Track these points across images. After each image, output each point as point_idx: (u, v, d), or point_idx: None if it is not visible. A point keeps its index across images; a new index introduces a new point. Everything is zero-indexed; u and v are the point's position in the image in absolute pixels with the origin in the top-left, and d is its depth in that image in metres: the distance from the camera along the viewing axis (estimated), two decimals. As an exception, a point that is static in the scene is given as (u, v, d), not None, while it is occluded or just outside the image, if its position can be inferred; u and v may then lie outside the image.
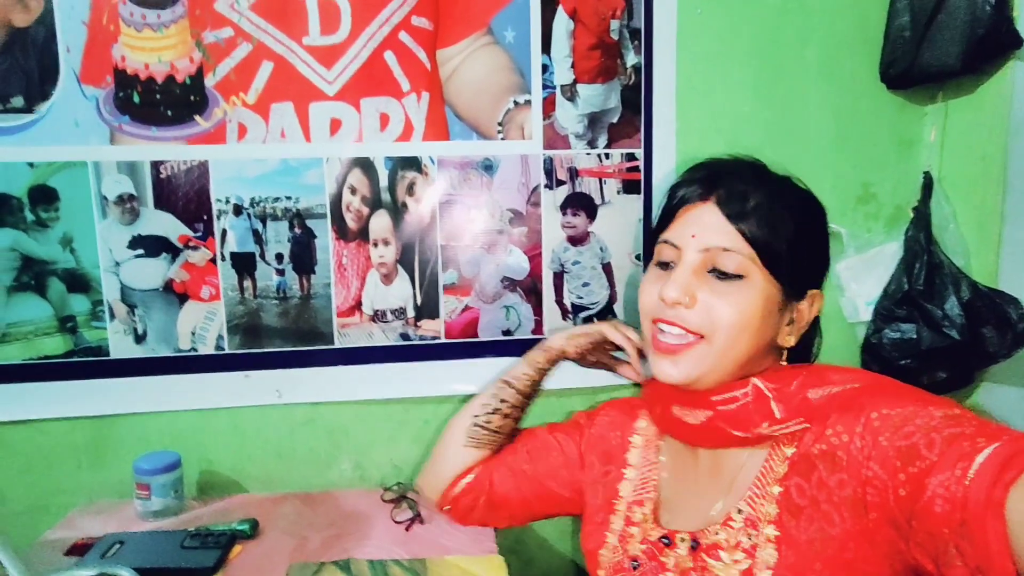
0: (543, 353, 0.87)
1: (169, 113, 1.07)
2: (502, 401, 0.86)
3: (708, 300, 0.62)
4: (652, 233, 0.71)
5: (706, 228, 0.63)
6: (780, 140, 1.19)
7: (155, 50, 1.05)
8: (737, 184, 0.64)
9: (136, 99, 1.06)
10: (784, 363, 0.67)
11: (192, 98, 1.07)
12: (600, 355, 0.88)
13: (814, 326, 0.70)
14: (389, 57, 1.10)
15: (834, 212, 1.19)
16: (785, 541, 0.59)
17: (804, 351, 0.71)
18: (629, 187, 1.18)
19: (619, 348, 0.85)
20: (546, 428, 0.89)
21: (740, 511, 0.62)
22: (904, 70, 1.14)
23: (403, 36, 1.10)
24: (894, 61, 1.15)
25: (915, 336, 1.11)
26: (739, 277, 0.62)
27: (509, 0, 1.11)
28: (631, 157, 1.17)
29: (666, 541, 0.68)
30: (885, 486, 0.53)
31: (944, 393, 1.15)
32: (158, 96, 1.06)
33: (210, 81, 1.07)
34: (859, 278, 1.20)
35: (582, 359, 0.88)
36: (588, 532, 0.78)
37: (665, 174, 1.18)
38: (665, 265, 0.67)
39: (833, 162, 1.21)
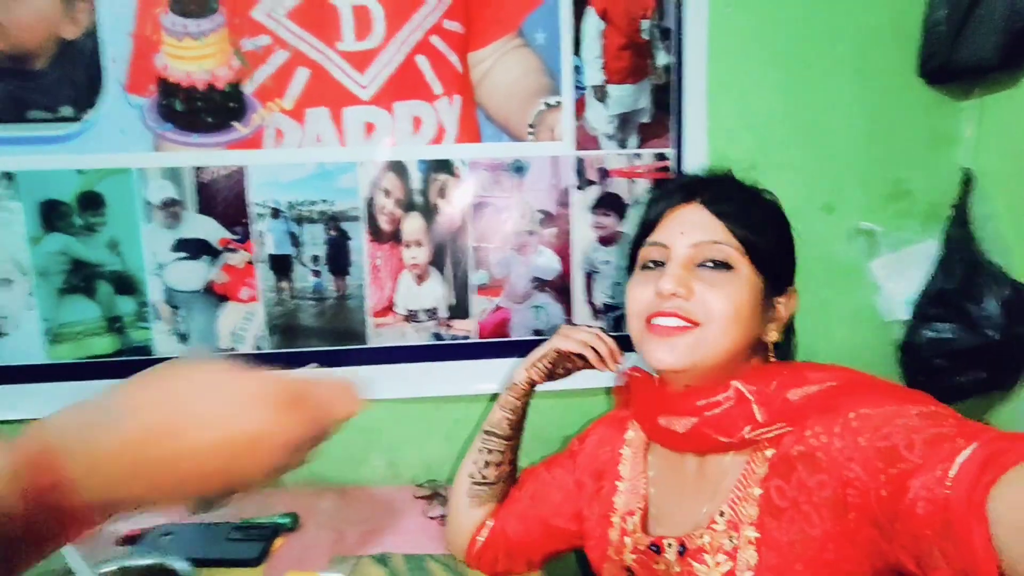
0: (511, 392, 0.88)
1: (209, 120, 1.10)
2: (490, 452, 0.89)
3: (702, 291, 0.65)
4: (634, 241, 0.75)
5: (694, 225, 0.67)
6: (811, 137, 1.18)
7: (196, 59, 1.08)
8: (719, 187, 0.71)
9: (178, 107, 1.09)
10: (771, 359, 0.70)
11: (231, 105, 1.10)
12: (567, 363, 0.88)
13: (790, 326, 0.74)
14: (421, 61, 1.12)
15: (864, 209, 1.20)
16: (765, 543, 0.60)
17: (786, 348, 0.74)
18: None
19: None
20: (545, 464, 0.90)
21: (723, 514, 0.64)
22: (941, 65, 1.12)
23: (435, 40, 1.11)
24: (931, 56, 1.13)
25: (953, 336, 1.10)
26: (729, 268, 0.66)
27: (539, 2, 1.12)
28: (662, 157, 1.17)
29: (655, 548, 0.69)
30: (866, 487, 0.53)
31: (986, 395, 1.13)
32: (199, 103, 1.10)
33: (248, 88, 1.10)
34: (894, 276, 1.19)
35: (552, 377, 0.88)
36: (590, 547, 0.80)
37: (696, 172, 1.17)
38: (652, 267, 0.71)
39: (864, 158, 1.19)
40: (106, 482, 0.31)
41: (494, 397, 1.20)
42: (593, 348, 0.84)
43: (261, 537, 0.96)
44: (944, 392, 1.14)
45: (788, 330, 0.74)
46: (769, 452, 0.62)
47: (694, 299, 0.65)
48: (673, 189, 0.72)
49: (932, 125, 1.19)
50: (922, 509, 0.48)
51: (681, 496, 0.71)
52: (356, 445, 1.21)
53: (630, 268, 0.75)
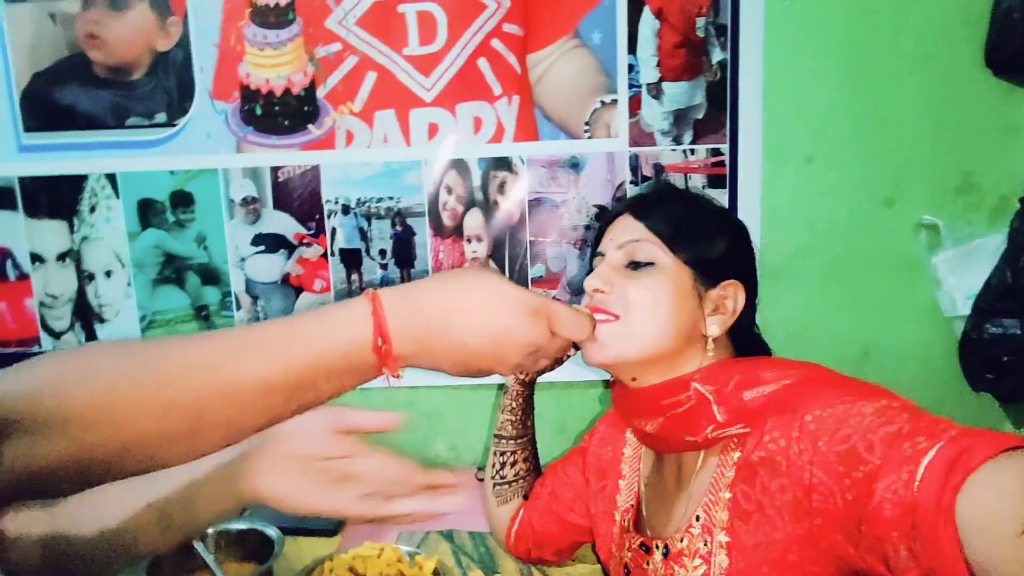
0: (507, 394, 0.94)
1: (286, 123, 1.19)
2: (502, 454, 0.94)
3: (623, 285, 0.68)
4: (589, 261, 0.78)
5: (621, 231, 0.72)
6: (872, 130, 1.17)
7: (275, 66, 1.17)
8: (649, 196, 0.78)
9: (258, 111, 1.18)
10: (712, 350, 0.68)
11: (306, 108, 1.18)
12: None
13: (749, 323, 0.73)
14: (482, 63, 1.17)
15: (931, 203, 1.19)
16: (735, 547, 0.61)
17: (756, 345, 0.74)
18: (714, 181, 1.19)
19: None
20: (562, 460, 0.94)
21: (698, 518, 0.65)
22: (1012, 54, 1.09)
23: (495, 43, 1.16)
24: (1000, 45, 1.11)
25: (1019, 332, 1.08)
26: (650, 264, 0.68)
27: (596, 3, 1.15)
28: (716, 152, 1.19)
29: (645, 548, 0.71)
30: (831, 491, 0.53)
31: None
32: (277, 108, 1.18)
33: (321, 92, 1.18)
34: (957, 271, 1.17)
35: (543, 370, 0.90)
36: (598, 544, 0.83)
37: (751, 167, 1.18)
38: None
39: (930, 151, 1.17)
40: (413, 351, 0.43)
41: (551, 385, 1.25)
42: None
43: (335, 510, 1.04)
44: (1012, 389, 1.13)
45: (749, 327, 0.73)
46: (736, 455, 0.63)
47: (615, 292, 0.67)
48: (614, 207, 0.79)
49: (1001, 117, 1.16)
50: (889, 512, 0.48)
51: (665, 498, 0.73)
52: (420, 430, 1.27)
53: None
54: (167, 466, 0.41)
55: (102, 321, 1.24)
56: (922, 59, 1.15)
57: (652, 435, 0.70)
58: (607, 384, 1.25)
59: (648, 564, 0.71)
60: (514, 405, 0.93)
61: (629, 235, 0.70)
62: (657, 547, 0.69)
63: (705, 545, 0.64)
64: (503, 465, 0.94)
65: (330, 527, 0.99)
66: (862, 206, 1.19)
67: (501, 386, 1.21)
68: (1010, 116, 1.16)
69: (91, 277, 1.23)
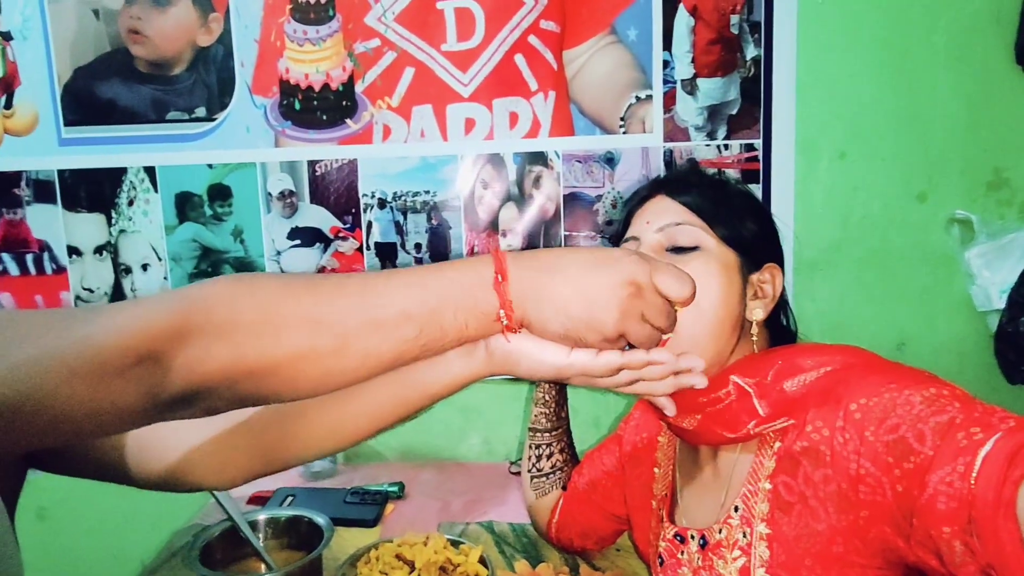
0: (540, 386, 0.92)
1: (324, 117, 1.20)
2: (538, 447, 0.93)
3: None
4: (613, 244, 0.74)
5: (658, 213, 0.67)
6: (905, 126, 1.18)
7: (314, 62, 1.18)
8: (682, 178, 0.73)
9: (297, 106, 1.19)
10: (756, 333, 0.67)
11: (344, 103, 1.19)
12: None
13: (784, 305, 0.72)
14: (519, 59, 1.18)
15: (963, 198, 1.20)
16: (776, 538, 0.59)
17: (784, 329, 0.72)
18: (748, 177, 1.20)
19: None
20: (599, 449, 0.92)
21: (737, 509, 0.63)
22: (1042, 51, 1.11)
23: (532, 39, 1.18)
24: (1031, 42, 1.12)
25: (1056, 324, 1.08)
26: (695, 249, 0.65)
27: (632, 1, 1.17)
28: (750, 148, 1.20)
29: (679, 539, 0.69)
30: (879, 482, 0.52)
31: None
32: (315, 103, 1.19)
33: (359, 87, 1.19)
34: (992, 265, 1.17)
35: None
36: (635, 534, 0.82)
37: (784, 162, 1.20)
38: None
39: (962, 147, 1.19)
40: (527, 294, 0.45)
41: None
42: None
43: (375, 502, 1.04)
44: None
45: (783, 310, 0.72)
46: (776, 446, 0.61)
47: None
48: (641, 189, 0.73)
49: (1033, 112, 1.17)
50: (943, 505, 0.46)
51: (701, 488, 0.72)
52: (456, 423, 1.28)
53: None
54: (305, 394, 0.43)
55: (137, 315, 1.24)
56: (954, 56, 1.17)
57: (688, 431, 0.67)
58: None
59: (683, 554, 0.70)
60: (547, 398, 0.93)
61: (669, 217, 0.66)
62: (692, 537, 0.68)
63: (744, 536, 0.62)
64: (539, 458, 0.94)
65: (370, 517, 0.99)
66: (895, 201, 1.20)
67: (523, 381, 1.22)
68: (1041, 112, 1.18)
69: (128, 270, 1.23)
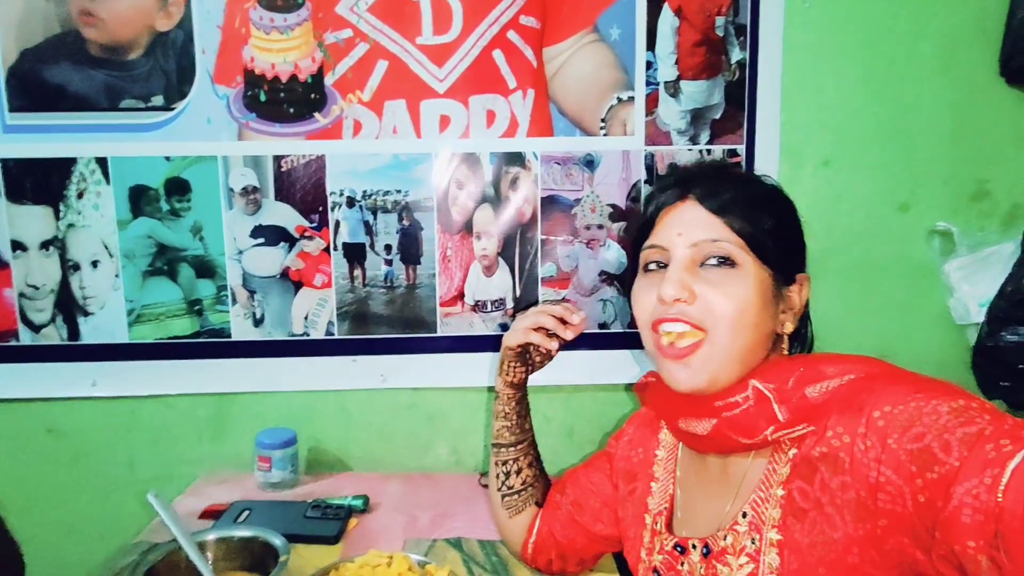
0: (499, 399, 0.89)
1: (291, 110, 1.14)
2: (505, 463, 0.89)
3: (705, 293, 0.62)
4: (633, 244, 0.71)
5: (690, 224, 0.64)
6: (890, 135, 1.16)
7: (281, 51, 1.12)
8: (712, 182, 0.67)
9: (262, 97, 1.13)
10: (784, 351, 0.67)
11: (313, 96, 1.13)
12: (533, 353, 0.89)
13: (805, 315, 0.70)
14: (497, 55, 1.13)
15: (946, 209, 1.18)
16: (788, 545, 0.58)
17: (802, 338, 0.71)
18: (730, 183, 1.17)
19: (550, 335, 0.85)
20: (584, 467, 0.89)
21: (745, 515, 0.62)
22: (1026, 63, 1.10)
23: (511, 35, 1.13)
24: (1015, 54, 1.11)
25: (1036, 340, 1.07)
26: (731, 264, 0.62)
27: (615, -2, 1.13)
28: (733, 153, 1.17)
29: (680, 549, 0.68)
30: (900, 492, 0.50)
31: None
32: (282, 94, 1.13)
33: (329, 80, 1.13)
34: (972, 279, 1.16)
35: (532, 369, 0.89)
36: (627, 549, 0.79)
37: (768, 169, 1.16)
38: (655, 269, 0.68)
39: (946, 158, 1.17)
40: None
41: (559, 389, 1.21)
42: (540, 327, 0.84)
43: (337, 516, 0.98)
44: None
45: (803, 318, 0.70)
46: (791, 452, 0.60)
47: (697, 302, 0.62)
48: (666, 186, 0.69)
49: (1015, 125, 1.16)
50: (968, 518, 0.45)
51: (706, 496, 0.70)
52: (422, 432, 1.22)
53: (633, 269, 0.72)
54: None
55: (86, 314, 1.17)
56: (940, 66, 1.15)
57: (701, 437, 0.66)
58: (628, 387, 1.21)
59: (683, 565, 0.68)
60: (507, 409, 0.89)
61: (705, 233, 0.63)
62: (694, 547, 0.66)
63: (753, 543, 0.60)
64: (507, 475, 0.89)
65: (332, 534, 0.94)
66: (879, 211, 1.18)
67: (491, 388, 1.18)
68: (1023, 125, 1.16)
69: (76, 267, 1.16)
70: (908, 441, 0.50)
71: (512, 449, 0.89)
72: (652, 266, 0.68)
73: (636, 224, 0.72)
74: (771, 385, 0.61)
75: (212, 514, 1.00)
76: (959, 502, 0.46)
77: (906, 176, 1.17)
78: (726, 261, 0.63)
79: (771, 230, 0.64)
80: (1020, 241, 1.14)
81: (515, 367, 0.88)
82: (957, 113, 1.16)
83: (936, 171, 1.17)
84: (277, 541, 0.78)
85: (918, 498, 0.49)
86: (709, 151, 1.17)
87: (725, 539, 0.63)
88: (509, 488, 0.89)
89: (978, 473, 0.45)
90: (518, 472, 0.89)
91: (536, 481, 0.90)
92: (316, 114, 1.14)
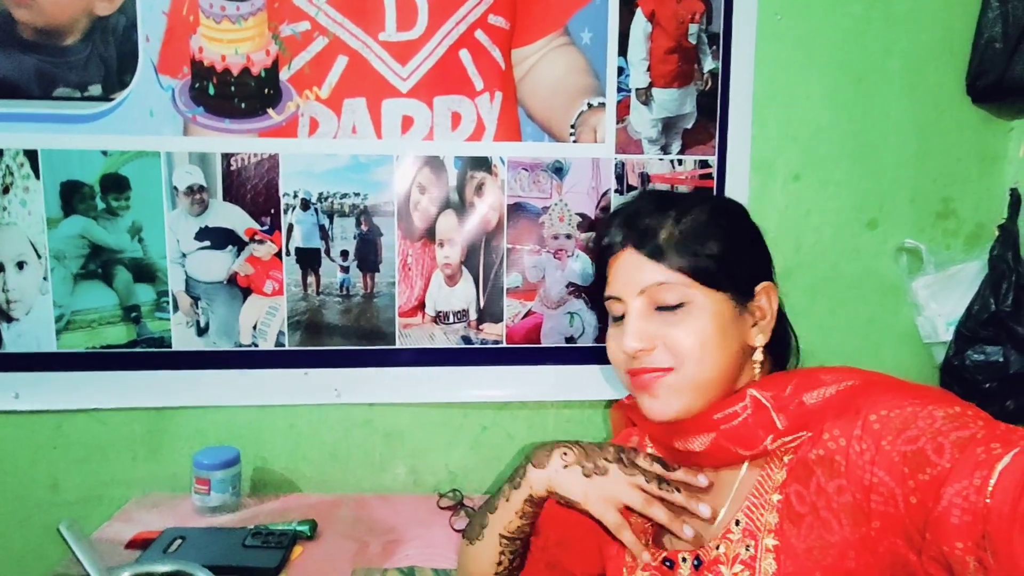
0: (529, 503, 0.72)
1: (243, 106, 1.07)
2: (512, 552, 0.75)
3: (665, 334, 0.64)
4: (599, 292, 0.72)
5: (634, 273, 0.66)
6: (858, 151, 1.15)
7: (232, 42, 1.05)
8: (645, 222, 0.67)
9: (211, 91, 1.06)
10: (760, 358, 0.66)
11: (266, 91, 1.07)
12: None
13: (783, 322, 0.70)
14: (464, 55, 1.09)
15: (912, 227, 1.17)
16: (784, 550, 0.57)
17: (786, 344, 0.72)
18: (701, 195, 1.15)
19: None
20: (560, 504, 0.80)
21: (738, 522, 0.61)
22: (992, 83, 1.10)
23: (479, 34, 1.08)
24: (982, 74, 1.11)
25: (1002, 359, 1.06)
26: (682, 305, 0.64)
27: (587, 1, 1.09)
28: (704, 164, 1.14)
29: (669, 563, 0.66)
30: (892, 493, 0.51)
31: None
32: (232, 88, 1.06)
33: (284, 74, 1.06)
34: (939, 297, 1.15)
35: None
36: (609, 568, 0.75)
37: (739, 181, 1.14)
38: (618, 319, 0.69)
39: (913, 176, 1.17)
40: None
41: (522, 405, 1.16)
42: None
43: (279, 545, 0.91)
44: (994, 416, 1.11)
45: (781, 326, 0.70)
46: (787, 457, 0.60)
47: (659, 347, 0.64)
48: (608, 229, 0.70)
49: (981, 144, 1.17)
50: (957, 518, 0.45)
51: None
52: (378, 451, 1.15)
53: (600, 284, 0.72)
54: None
55: (9, 320, 1.07)
56: (908, 83, 1.15)
57: (697, 454, 0.65)
58: (595, 404, 1.17)
59: None
60: (531, 509, 0.73)
61: (649, 278, 0.64)
62: (684, 560, 0.64)
63: (748, 550, 0.59)
64: (513, 558, 0.76)
65: (272, 565, 0.86)
66: (847, 227, 1.17)
67: (451, 404, 1.09)
68: (988, 144, 1.17)
69: (0, 268, 1.06)
70: (902, 443, 0.50)
71: (520, 542, 0.76)
72: (617, 317, 0.69)
73: (595, 267, 0.74)
74: (768, 393, 0.61)
75: (139, 543, 0.91)
76: (948, 503, 0.46)
77: (874, 193, 1.16)
78: (679, 306, 0.64)
79: (717, 255, 0.64)
80: (986, 260, 1.14)
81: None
82: (923, 131, 1.16)
83: (903, 188, 1.17)
84: (200, 575, 0.70)
85: (910, 499, 0.49)
86: (680, 162, 1.14)
87: (717, 548, 0.62)
88: (511, 570, 0.77)
89: (968, 475, 0.46)
90: (523, 554, 0.78)
91: (526, 551, 0.79)
92: (269, 110, 1.07)
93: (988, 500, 0.44)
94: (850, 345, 1.19)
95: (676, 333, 0.63)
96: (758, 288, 0.66)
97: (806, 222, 1.17)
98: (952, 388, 1.13)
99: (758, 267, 0.68)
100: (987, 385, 1.08)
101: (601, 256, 0.71)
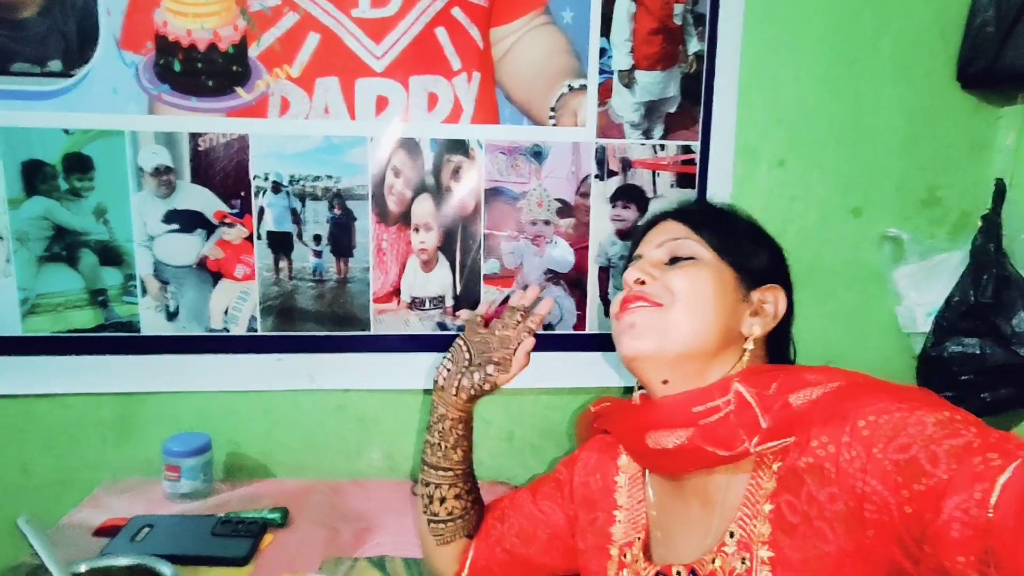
0: (433, 411, 0.79)
1: (210, 83, 1.03)
2: (427, 485, 0.80)
3: (664, 276, 0.67)
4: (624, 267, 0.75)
5: (663, 232, 0.72)
6: (845, 136, 1.13)
7: (198, 16, 1.01)
8: (690, 205, 0.80)
9: (177, 67, 1.02)
10: (751, 347, 0.66)
11: (234, 68, 1.03)
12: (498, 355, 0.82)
13: (786, 332, 0.71)
14: (440, 33, 1.05)
15: (897, 215, 1.15)
16: (780, 562, 0.56)
17: (784, 354, 0.73)
18: (684, 181, 1.12)
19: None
20: (531, 493, 0.81)
21: (732, 534, 0.60)
22: (984, 69, 1.07)
23: (456, 12, 1.04)
24: (973, 59, 1.08)
25: (980, 351, 1.06)
26: (691, 258, 0.68)
27: (569, -23, 1.05)
28: (687, 150, 1.12)
29: None
30: (886, 503, 0.50)
31: (1009, 412, 1.10)
32: (199, 65, 1.02)
33: (254, 51, 1.02)
34: (920, 287, 1.14)
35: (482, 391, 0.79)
36: (587, 573, 0.74)
37: (722, 166, 1.12)
38: None
39: (899, 162, 1.15)
40: None
41: (499, 391, 1.15)
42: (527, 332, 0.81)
43: (249, 533, 0.90)
44: (972, 408, 1.11)
45: (784, 335, 0.71)
46: (776, 465, 0.58)
47: (657, 283, 0.67)
48: (656, 213, 0.77)
49: (969, 132, 1.14)
50: (957, 533, 0.44)
51: (686, 520, 0.66)
52: (353, 436, 1.14)
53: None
54: None
55: (-27, 303, 1.04)
56: (899, 68, 1.12)
57: (671, 453, 0.61)
58: (573, 390, 1.16)
59: None
60: (443, 428, 0.79)
61: (670, 234, 0.70)
62: (678, 574, 0.63)
63: (743, 563, 0.58)
64: (431, 499, 0.80)
65: (241, 555, 0.85)
66: (832, 214, 1.15)
67: (427, 391, 1.08)
68: (977, 132, 1.15)
69: (-40, 250, 1.03)
70: (893, 451, 0.50)
71: (436, 473, 0.79)
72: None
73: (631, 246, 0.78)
74: (753, 390, 0.60)
75: (107, 530, 0.90)
76: (949, 516, 0.45)
77: (860, 179, 1.14)
78: (688, 258, 0.68)
79: (734, 234, 0.70)
80: (969, 250, 1.13)
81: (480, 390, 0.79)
82: (913, 116, 1.13)
83: (889, 175, 1.14)
84: (166, 570, 0.69)
85: (904, 509, 0.48)
86: (663, 146, 1.11)
87: (713, 562, 0.60)
88: (434, 515, 0.80)
89: (967, 487, 0.45)
90: (442, 501, 0.79)
91: (465, 514, 0.81)
92: (238, 89, 1.03)
93: (991, 514, 0.43)
94: (831, 333, 1.18)
95: (676, 274, 0.66)
96: (767, 285, 0.68)
97: (790, 208, 1.15)
98: (930, 379, 1.13)
99: (774, 270, 0.71)
100: (964, 377, 1.07)
101: (636, 234, 0.76)
